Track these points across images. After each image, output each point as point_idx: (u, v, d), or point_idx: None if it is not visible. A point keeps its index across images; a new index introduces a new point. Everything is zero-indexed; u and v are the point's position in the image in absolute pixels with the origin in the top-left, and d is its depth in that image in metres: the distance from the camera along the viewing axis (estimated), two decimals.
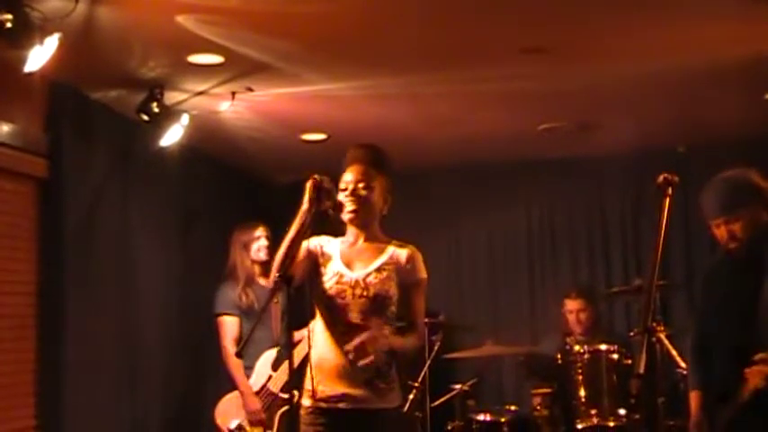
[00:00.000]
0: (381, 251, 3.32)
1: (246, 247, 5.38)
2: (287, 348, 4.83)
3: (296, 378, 4.68)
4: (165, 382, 5.59)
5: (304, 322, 4.65)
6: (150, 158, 5.34)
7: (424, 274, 3.37)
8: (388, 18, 4.18)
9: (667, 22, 4.29)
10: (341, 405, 3.21)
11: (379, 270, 3.27)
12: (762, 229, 3.33)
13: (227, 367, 5.19)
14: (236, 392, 5.22)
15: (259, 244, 5.37)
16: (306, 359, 4.34)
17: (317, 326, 3.33)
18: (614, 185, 7.03)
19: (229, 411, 5.23)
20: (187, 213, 5.95)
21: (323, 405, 3.23)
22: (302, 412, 3.29)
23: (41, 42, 3.77)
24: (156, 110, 4.87)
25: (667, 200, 3.12)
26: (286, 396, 4.88)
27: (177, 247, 5.82)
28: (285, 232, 3.19)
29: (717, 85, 5.23)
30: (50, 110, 4.71)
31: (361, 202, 3.28)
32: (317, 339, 3.30)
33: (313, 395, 3.25)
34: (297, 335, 4.83)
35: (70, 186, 4.79)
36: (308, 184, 3.14)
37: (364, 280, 3.25)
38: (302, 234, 3.13)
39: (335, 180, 3.29)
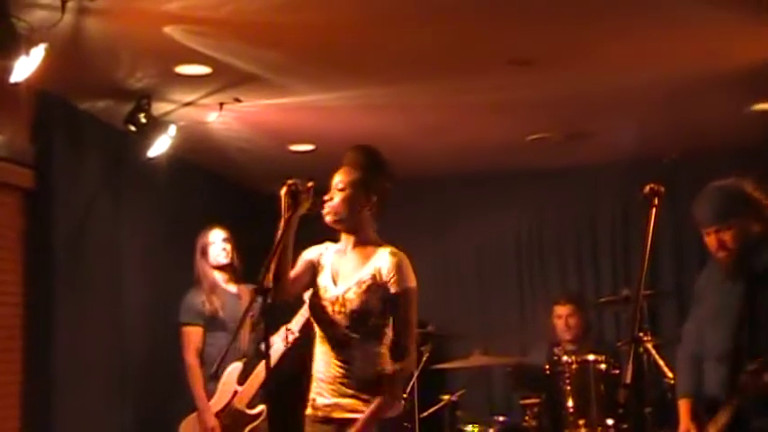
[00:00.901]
0: (366, 261, 3.24)
1: (204, 252, 5.13)
2: (257, 359, 4.85)
3: (265, 392, 4.68)
4: (155, 391, 5.56)
5: (274, 330, 4.70)
6: (139, 169, 5.32)
7: (408, 284, 3.19)
8: (377, 29, 4.19)
9: (654, 33, 4.31)
10: (334, 414, 3.21)
11: (358, 284, 3.20)
12: (753, 240, 3.32)
13: (187, 380, 4.95)
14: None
15: (216, 248, 5.11)
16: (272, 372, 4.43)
17: (317, 337, 3.31)
18: (603, 195, 7.06)
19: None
20: (176, 224, 5.92)
21: (320, 414, 3.24)
22: (305, 421, 3.31)
23: (27, 53, 3.75)
24: (144, 120, 4.86)
25: (654, 210, 3.13)
26: (254, 412, 4.94)
27: (167, 258, 5.80)
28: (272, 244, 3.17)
29: (703, 95, 5.25)
30: (38, 120, 4.70)
31: (334, 204, 3.23)
32: (316, 350, 3.31)
33: (313, 404, 3.27)
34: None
35: (58, 197, 4.79)
36: (283, 191, 3.12)
37: (343, 296, 3.21)
38: (283, 243, 3.10)
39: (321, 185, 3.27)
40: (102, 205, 5.21)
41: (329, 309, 3.22)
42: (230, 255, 5.12)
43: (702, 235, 3.42)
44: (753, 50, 4.53)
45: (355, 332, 3.18)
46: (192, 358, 4.94)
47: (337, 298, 3.22)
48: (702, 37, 4.37)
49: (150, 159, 5.14)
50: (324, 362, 3.25)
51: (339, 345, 3.20)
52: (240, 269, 5.19)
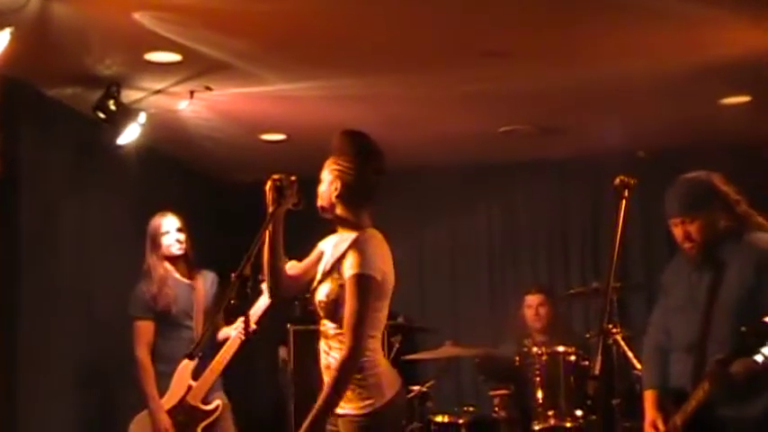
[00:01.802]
0: (340, 249, 3.18)
1: (155, 241, 4.72)
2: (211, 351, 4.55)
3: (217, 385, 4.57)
4: (126, 384, 5.49)
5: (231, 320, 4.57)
6: (108, 157, 5.27)
7: (357, 270, 3.03)
8: (349, 19, 4.17)
9: (626, 26, 4.33)
10: None
11: (327, 273, 3.17)
12: (719, 233, 3.34)
13: (136, 377, 4.63)
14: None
15: (170, 238, 4.71)
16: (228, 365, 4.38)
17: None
18: (574, 188, 7.09)
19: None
20: (145, 213, 5.84)
21: None
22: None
23: None
24: (113, 108, 4.81)
25: (624, 202, 3.14)
26: (208, 408, 4.62)
27: (136, 247, 5.72)
28: (257, 235, 3.10)
29: (677, 89, 5.29)
30: (4, 107, 4.62)
31: (321, 190, 3.21)
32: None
33: None
34: (222, 333, 4.69)
35: (25, 185, 4.74)
36: (268, 186, 3.09)
37: (315, 288, 3.20)
38: (270, 238, 3.09)
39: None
40: (71, 194, 5.15)
41: (312, 300, 3.21)
42: (184, 245, 4.74)
43: (670, 226, 3.44)
44: (728, 44, 4.55)
45: (331, 322, 3.13)
46: (142, 354, 4.62)
47: (314, 289, 3.20)
48: (678, 30, 4.39)
49: (119, 147, 5.09)
50: (321, 355, 3.22)
51: (324, 336, 3.18)
52: (194, 259, 4.80)
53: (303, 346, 6.26)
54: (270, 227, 3.09)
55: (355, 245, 3.09)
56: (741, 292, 3.23)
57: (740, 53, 4.64)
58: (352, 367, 3.01)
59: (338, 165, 3.17)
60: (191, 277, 4.78)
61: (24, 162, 4.72)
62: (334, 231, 3.28)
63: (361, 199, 3.20)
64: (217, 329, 4.68)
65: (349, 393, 3.06)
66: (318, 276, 3.22)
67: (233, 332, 4.55)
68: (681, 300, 3.43)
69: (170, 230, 4.72)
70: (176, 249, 4.72)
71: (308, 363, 3.76)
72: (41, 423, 4.74)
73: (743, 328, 3.05)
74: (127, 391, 5.37)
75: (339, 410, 3.08)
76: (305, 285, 3.28)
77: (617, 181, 3.19)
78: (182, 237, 4.73)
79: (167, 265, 4.73)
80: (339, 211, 3.19)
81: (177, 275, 4.74)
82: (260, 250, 3.09)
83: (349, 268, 3.05)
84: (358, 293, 3.03)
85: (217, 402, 4.66)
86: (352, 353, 3.00)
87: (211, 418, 4.65)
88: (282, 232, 3.14)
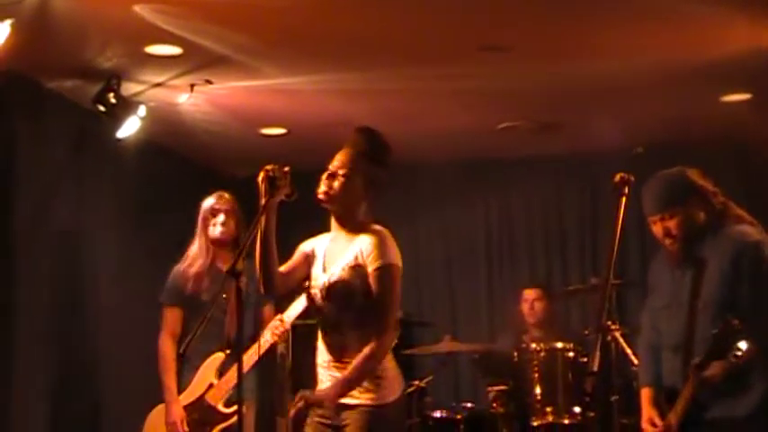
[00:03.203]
0: (350, 244, 3.19)
1: (205, 222, 4.42)
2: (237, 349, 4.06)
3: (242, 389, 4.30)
4: (122, 379, 5.50)
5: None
6: (108, 150, 5.25)
7: (386, 260, 3.11)
8: (348, 13, 4.17)
9: (626, 22, 4.33)
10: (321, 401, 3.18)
11: (342, 268, 3.16)
12: (699, 228, 3.35)
13: (157, 367, 4.39)
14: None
15: (216, 219, 4.40)
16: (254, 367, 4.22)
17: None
18: (572, 185, 7.08)
19: (158, 426, 4.36)
20: (144, 207, 5.85)
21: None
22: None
23: None
24: (113, 101, 4.81)
25: (623, 199, 3.12)
26: (228, 411, 4.30)
27: (134, 242, 5.73)
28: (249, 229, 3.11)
29: (676, 86, 5.28)
30: (3, 99, 4.63)
31: (334, 185, 3.17)
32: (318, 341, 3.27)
33: (313, 390, 3.23)
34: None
35: (24, 178, 4.73)
36: (260, 177, 3.07)
37: (329, 281, 3.18)
38: (262, 229, 3.06)
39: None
40: (69, 187, 5.14)
41: (318, 296, 3.19)
42: (231, 232, 4.40)
43: (649, 225, 3.45)
44: (729, 41, 4.56)
45: (345, 314, 3.13)
46: (165, 344, 4.36)
47: (324, 284, 3.18)
48: (678, 28, 4.39)
49: (119, 140, 5.07)
50: (320, 350, 3.22)
51: (332, 331, 3.17)
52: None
53: (301, 341, 6.25)
54: (262, 219, 3.06)
55: (380, 238, 3.15)
56: (722, 288, 3.23)
57: (741, 50, 4.64)
58: (382, 355, 3.10)
59: (357, 161, 3.18)
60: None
61: (23, 155, 4.70)
62: (317, 224, 3.29)
63: (370, 197, 3.24)
64: (259, 329, 4.34)
65: (367, 384, 3.09)
66: (332, 271, 3.18)
67: (267, 333, 4.26)
68: (666, 299, 3.44)
69: (220, 211, 4.40)
70: (218, 233, 4.37)
71: (306, 358, 3.70)
72: (33, 422, 4.73)
73: (714, 331, 3.07)
74: (121, 391, 5.35)
75: (351, 401, 3.09)
76: (293, 285, 3.28)
77: (617, 178, 3.15)
78: (231, 222, 4.40)
79: (214, 250, 4.40)
80: (346, 205, 3.20)
81: (218, 263, 4.40)
82: (252, 243, 3.07)
83: (378, 258, 3.12)
84: (389, 283, 3.11)
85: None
86: (386, 340, 3.10)
87: (229, 422, 4.29)
88: (275, 224, 3.12)
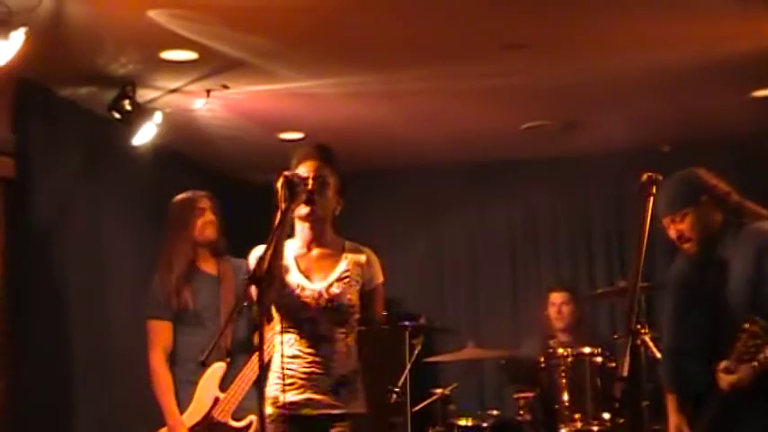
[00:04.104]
0: (338, 257, 3.22)
1: (184, 222, 4.14)
2: (243, 356, 4.00)
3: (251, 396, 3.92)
4: (138, 383, 5.45)
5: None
6: (123, 158, 5.22)
7: (381, 279, 3.27)
8: (367, 13, 4.13)
9: (653, 17, 4.27)
10: (304, 411, 3.14)
11: (340, 279, 3.17)
12: (713, 228, 3.30)
13: (152, 388, 4.05)
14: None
15: (204, 219, 4.15)
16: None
17: (282, 336, 3.19)
18: (598, 185, 6.98)
19: None
20: (161, 215, 5.79)
21: (285, 411, 3.15)
22: (266, 422, 3.15)
23: (7, 36, 3.71)
24: (129, 108, 4.80)
25: (651, 199, 3.07)
26: (240, 425, 4.02)
27: (150, 250, 5.67)
28: (267, 235, 3.03)
29: (703, 82, 5.21)
30: (18, 108, 4.63)
31: (320, 193, 3.15)
32: (283, 348, 3.19)
33: (275, 402, 3.16)
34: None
35: (39, 186, 4.71)
36: (280, 183, 3.02)
37: (327, 291, 3.16)
38: (279, 236, 3.01)
39: None
40: (85, 195, 5.11)
41: (312, 305, 3.15)
42: (217, 228, 4.18)
43: (664, 229, 3.37)
44: (755, 36, 4.47)
45: (340, 327, 3.16)
46: (157, 361, 4.03)
47: (320, 293, 3.15)
48: (704, 22, 4.32)
49: (135, 147, 5.04)
50: (298, 360, 3.16)
51: (319, 341, 3.14)
52: (224, 245, 4.25)
53: None
54: (285, 224, 3.02)
55: (368, 254, 3.26)
56: (746, 288, 3.18)
57: None
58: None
59: (328, 174, 3.19)
60: (217, 268, 4.18)
61: (38, 163, 4.68)
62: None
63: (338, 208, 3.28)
64: (252, 332, 4.09)
65: (346, 395, 3.15)
66: (325, 282, 3.16)
67: (270, 335, 3.87)
68: (687, 302, 3.39)
69: (205, 210, 4.17)
70: (208, 234, 4.13)
71: None
72: (52, 425, 4.69)
73: (740, 333, 3.01)
74: (141, 396, 5.30)
75: (333, 411, 3.11)
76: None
77: (644, 177, 3.10)
78: (215, 220, 4.18)
79: (200, 252, 4.16)
80: (325, 218, 3.20)
81: (202, 266, 4.17)
82: (275, 251, 3.00)
83: (380, 275, 3.26)
84: (382, 299, 3.29)
85: (250, 418, 4.02)
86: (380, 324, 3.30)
87: None
88: (286, 230, 3.08)
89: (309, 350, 3.14)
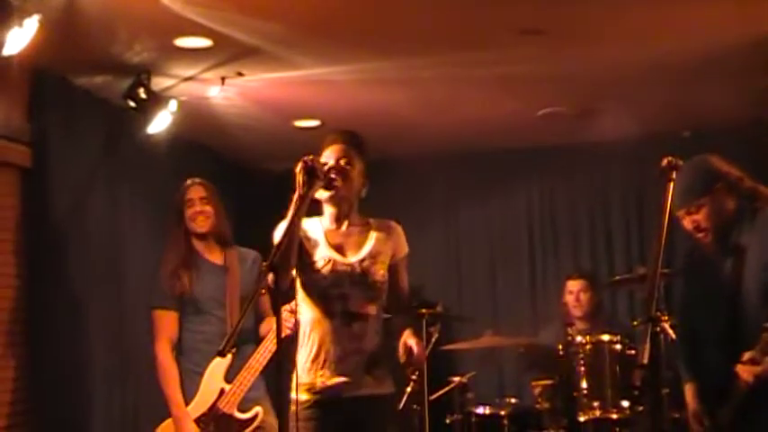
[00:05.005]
0: (367, 234, 3.24)
1: (180, 214, 4.13)
2: (249, 347, 3.99)
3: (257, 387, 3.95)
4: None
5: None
6: (138, 146, 5.20)
7: (407, 249, 3.31)
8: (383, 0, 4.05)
9: (669, 3, 4.18)
10: (345, 394, 3.13)
11: (372, 255, 3.19)
12: (729, 216, 3.27)
13: (158, 378, 4.05)
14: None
15: (190, 209, 4.12)
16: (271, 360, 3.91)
17: (308, 316, 3.18)
18: (616, 171, 6.95)
19: None
20: None
21: (323, 397, 3.13)
22: (298, 408, 3.13)
23: (21, 24, 3.66)
24: (144, 96, 4.76)
25: (671, 184, 3.04)
26: (246, 416, 4.00)
27: (167, 238, 5.67)
28: (281, 220, 3.06)
29: (720, 68, 5.13)
30: (33, 97, 4.60)
31: (342, 176, 3.16)
32: (310, 331, 3.17)
33: (311, 388, 3.14)
34: (265, 325, 4.15)
35: (55, 175, 4.69)
36: (299, 168, 3.01)
37: (360, 264, 3.17)
38: (300, 220, 3.02)
39: None
40: (101, 183, 5.09)
41: (346, 281, 3.14)
42: (210, 221, 4.14)
43: (679, 221, 3.33)
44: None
45: (371, 303, 3.17)
46: (162, 351, 4.02)
47: (353, 267, 3.16)
48: (723, 6, 4.22)
49: (150, 136, 5.02)
50: (329, 341, 3.13)
51: (351, 319, 3.13)
52: (229, 237, 4.24)
53: None
54: (302, 209, 2.99)
55: (395, 225, 3.30)
56: (764, 274, 3.14)
57: None
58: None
59: (355, 157, 3.23)
60: (224, 258, 4.17)
61: (53, 152, 4.65)
62: None
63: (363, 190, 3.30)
64: (260, 321, 4.14)
65: (380, 374, 3.16)
66: (358, 257, 3.18)
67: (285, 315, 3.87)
68: (703, 291, 3.37)
69: (193, 200, 4.14)
70: (199, 224, 4.10)
71: None
72: (70, 415, 4.67)
73: (766, 324, 3.00)
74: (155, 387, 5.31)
75: (369, 392, 3.12)
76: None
77: (664, 162, 3.07)
78: (208, 209, 4.13)
79: (196, 242, 4.15)
80: (351, 198, 3.23)
81: (207, 256, 4.15)
82: (291, 237, 2.98)
83: (405, 246, 3.29)
84: (406, 272, 3.30)
85: (256, 410, 4.01)
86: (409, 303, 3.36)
87: (249, 429, 3.99)
88: (302, 217, 3.07)
89: (343, 329, 3.12)
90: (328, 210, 3.25)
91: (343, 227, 3.24)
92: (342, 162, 3.18)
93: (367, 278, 3.15)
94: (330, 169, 3.10)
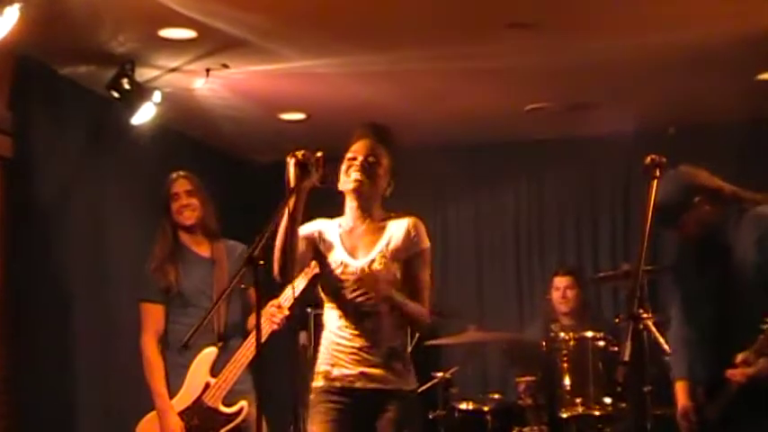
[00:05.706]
0: (381, 232, 3.23)
1: (166, 208, 4.12)
2: (235, 341, 3.98)
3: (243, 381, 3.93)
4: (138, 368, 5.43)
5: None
6: (122, 137, 5.17)
7: (426, 244, 3.25)
8: None
9: None
10: (357, 384, 3.16)
11: (382, 254, 3.19)
12: (713, 224, 3.29)
13: (143, 371, 4.05)
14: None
15: (176, 202, 4.10)
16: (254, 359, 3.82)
17: (328, 311, 3.26)
18: (603, 168, 6.93)
19: None
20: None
21: (337, 384, 3.19)
22: (313, 395, 3.24)
23: (1, 12, 3.64)
24: (127, 87, 4.76)
25: (655, 182, 3.03)
26: (231, 410, 3.97)
27: (152, 230, 5.63)
28: (269, 212, 3.03)
29: (709, 64, 5.13)
30: (16, 86, 4.58)
31: (368, 172, 3.18)
32: (329, 324, 3.25)
33: (327, 376, 3.21)
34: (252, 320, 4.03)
35: (38, 165, 4.68)
36: (290, 161, 3.02)
37: (369, 267, 3.18)
38: (289, 214, 3.01)
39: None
40: (84, 174, 5.07)
41: (354, 283, 3.18)
42: (196, 213, 4.12)
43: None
44: (761, 18, 4.41)
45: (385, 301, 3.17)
46: (149, 345, 4.02)
47: (362, 270, 3.17)
48: (706, 2, 4.26)
49: (134, 127, 5.01)
50: (344, 335, 3.19)
51: (364, 316, 3.17)
52: (217, 230, 4.22)
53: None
54: (291, 204, 3.00)
55: (413, 221, 3.26)
56: (752, 273, 3.17)
57: None
58: (426, 323, 3.27)
59: (381, 152, 3.22)
60: (212, 251, 4.16)
61: (36, 142, 4.65)
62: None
63: (389, 187, 3.29)
64: (248, 315, 4.10)
65: (400, 368, 3.17)
66: (367, 258, 3.19)
67: (265, 322, 3.80)
68: (694, 291, 3.38)
69: (179, 194, 4.12)
70: (186, 217, 4.09)
71: None
72: (55, 408, 4.67)
73: (762, 326, 3.01)
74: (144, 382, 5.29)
75: (387, 386, 3.13)
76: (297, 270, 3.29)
77: (648, 160, 3.07)
78: (194, 202, 4.11)
79: (183, 235, 4.14)
80: (373, 195, 3.22)
81: (194, 249, 4.15)
82: (274, 231, 3.00)
83: (422, 242, 3.23)
84: (428, 265, 3.26)
85: (241, 404, 3.97)
86: (428, 314, 3.24)
87: (234, 424, 3.95)
88: (302, 211, 3.08)
89: (355, 325, 3.17)
90: (350, 203, 3.25)
91: (360, 228, 3.24)
92: (370, 159, 3.18)
93: (372, 277, 3.16)
94: (319, 162, 3.06)
